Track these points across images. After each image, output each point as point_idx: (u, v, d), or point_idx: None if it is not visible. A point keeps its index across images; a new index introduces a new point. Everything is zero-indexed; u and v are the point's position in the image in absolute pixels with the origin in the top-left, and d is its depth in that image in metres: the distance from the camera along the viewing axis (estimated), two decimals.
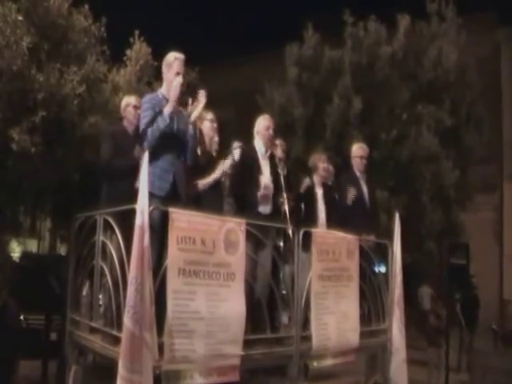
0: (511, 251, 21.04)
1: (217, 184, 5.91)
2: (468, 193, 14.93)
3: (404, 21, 15.00)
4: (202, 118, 6.07)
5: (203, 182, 5.77)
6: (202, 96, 5.47)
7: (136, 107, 6.17)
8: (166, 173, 5.11)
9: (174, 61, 5.33)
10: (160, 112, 5.11)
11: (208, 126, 6.13)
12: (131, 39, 12.90)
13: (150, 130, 5.03)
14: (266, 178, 6.08)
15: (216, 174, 5.84)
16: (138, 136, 5.60)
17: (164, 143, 5.10)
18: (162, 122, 5.05)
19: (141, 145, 5.21)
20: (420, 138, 13.78)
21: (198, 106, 5.48)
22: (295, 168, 7.48)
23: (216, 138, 6.22)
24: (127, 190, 5.08)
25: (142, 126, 5.13)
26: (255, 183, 5.99)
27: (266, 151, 6.35)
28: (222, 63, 24.20)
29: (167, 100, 5.23)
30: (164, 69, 5.42)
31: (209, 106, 5.87)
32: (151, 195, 4.64)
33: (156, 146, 5.05)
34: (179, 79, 5.16)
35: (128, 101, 6.35)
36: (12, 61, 8.40)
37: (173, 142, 5.18)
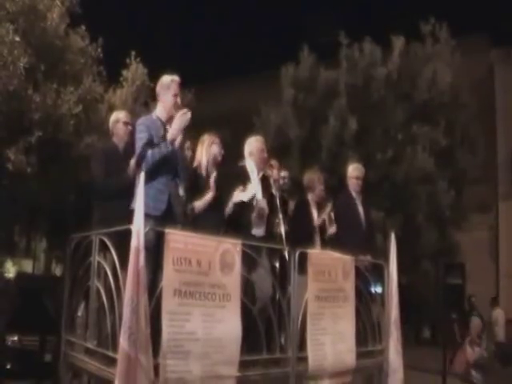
0: (507, 271, 21.05)
1: (215, 204, 5.87)
2: (463, 213, 14.96)
3: (398, 42, 15.13)
4: (210, 142, 6.05)
5: (198, 204, 5.75)
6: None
7: (126, 123, 6.14)
8: (161, 193, 5.09)
9: (171, 83, 5.34)
10: (163, 138, 5.10)
11: (217, 150, 6.08)
12: (127, 60, 13.01)
13: (150, 153, 5.00)
14: (259, 200, 6.05)
15: (209, 196, 5.80)
16: (129, 152, 5.66)
17: (160, 165, 5.10)
18: (164, 148, 5.05)
19: (139, 166, 5.14)
20: (415, 159, 13.85)
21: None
22: (291, 189, 7.46)
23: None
24: (120, 209, 5.05)
25: (138, 148, 5.10)
26: (249, 205, 5.96)
27: (259, 173, 6.33)
28: (217, 84, 24.31)
29: (162, 122, 5.24)
30: (160, 90, 5.39)
31: (205, 127, 5.88)
32: (146, 215, 4.64)
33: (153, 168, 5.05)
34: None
35: (118, 116, 6.27)
36: (9, 81, 8.45)
37: (168, 163, 5.17)
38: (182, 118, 5.15)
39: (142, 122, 5.28)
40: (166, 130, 5.24)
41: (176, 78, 5.37)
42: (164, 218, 4.96)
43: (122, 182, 5.55)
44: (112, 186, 5.65)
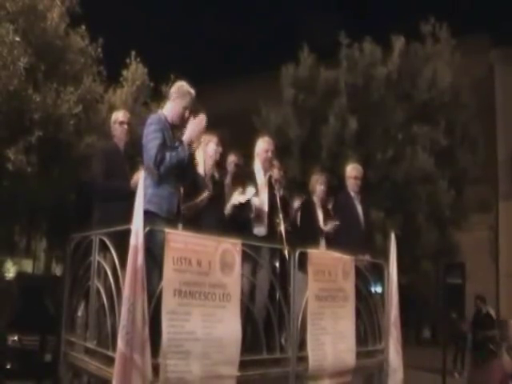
0: (507, 270, 21.06)
1: (216, 204, 5.86)
2: (463, 213, 14.96)
3: (399, 42, 15.14)
4: (207, 140, 6.04)
5: (193, 203, 5.72)
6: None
7: (122, 123, 6.08)
8: (173, 196, 5.07)
9: (187, 94, 5.27)
10: (180, 142, 5.04)
11: (213, 149, 6.08)
12: (127, 60, 13.01)
13: (168, 156, 4.95)
14: (261, 200, 6.06)
15: (204, 195, 5.78)
16: (129, 153, 5.69)
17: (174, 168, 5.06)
18: (182, 152, 4.99)
19: (157, 168, 5.03)
20: (415, 159, 13.85)
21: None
22: (291, 189, 7.47)
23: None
24: (120, 210, 5.01)
25: (153, 148, 4.99)
26: (248, 206, 5.97)
27: (265, 173, 6.36)
28: (217, 84, 24.32)
29: (169, 123, 5.17)
30: (173, 94, 5.25)
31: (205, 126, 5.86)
32: (158, 217, 4.72)
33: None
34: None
35: (115, 117, 6.20)
36: (9, 81, 8.46)
37: (181, 166, 5.12)
38: (199, 123, 5.12)
39: (154, 121, 5.14)
40: (173, 133, 5.20)
41: (193, 92, 5.32)
42: (175, 219, 4.98)
43: (123, 183, 5.52)
44: (114, 187, 5.61)
